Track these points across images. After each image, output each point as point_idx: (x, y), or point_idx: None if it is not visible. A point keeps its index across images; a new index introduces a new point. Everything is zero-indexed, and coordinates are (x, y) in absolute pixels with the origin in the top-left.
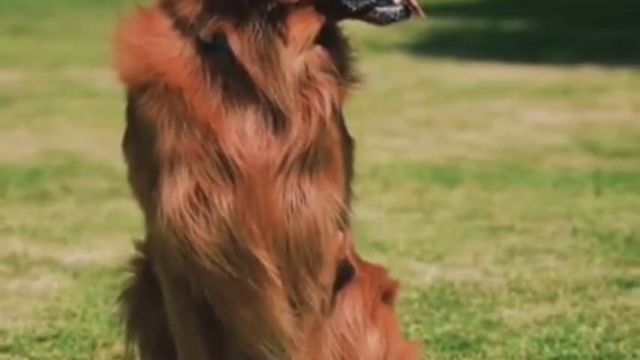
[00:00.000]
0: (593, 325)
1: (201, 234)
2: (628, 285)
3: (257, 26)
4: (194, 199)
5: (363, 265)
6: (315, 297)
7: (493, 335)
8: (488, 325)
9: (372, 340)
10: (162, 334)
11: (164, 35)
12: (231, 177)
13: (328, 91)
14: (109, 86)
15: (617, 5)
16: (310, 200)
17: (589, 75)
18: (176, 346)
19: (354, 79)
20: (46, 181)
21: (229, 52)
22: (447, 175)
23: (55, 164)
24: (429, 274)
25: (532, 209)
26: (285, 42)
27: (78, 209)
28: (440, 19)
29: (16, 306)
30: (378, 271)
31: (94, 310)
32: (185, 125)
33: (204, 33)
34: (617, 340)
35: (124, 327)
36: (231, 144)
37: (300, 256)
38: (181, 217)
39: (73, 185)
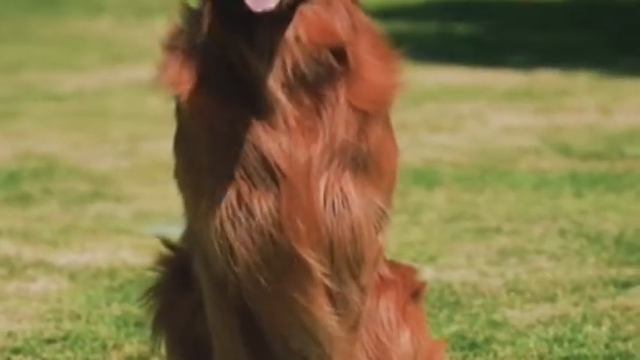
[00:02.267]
0: (598, 325)
1: (241, 241)
2: (624, 285)
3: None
4: (235, 206)
5: (396, 265)
6: (355, 298)
7: (501, 335)
8: (494, 325)
9: (404, 339)
10: (190, 332)
11: (190, 44)
12: (272, 180)
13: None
14: (72, 90)
15: (566, 9)
16: (352, 203)
17: (548, 78)
18: (210, 346)
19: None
20: (25, 184)
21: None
22: (426, 178)
23: (31, 167)
24: (425, 276)
25: (516, 211)
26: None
27: (62, 212)
28: (389, 22)
29: (17, 308)
30: (409, 272)
31: (97, 311)
32: (219, 134)
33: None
34: (625, 340)
35: (149, 325)
36: (266, 147)
37: (342, 257)
38: (222, 223)
39: (53, 188)
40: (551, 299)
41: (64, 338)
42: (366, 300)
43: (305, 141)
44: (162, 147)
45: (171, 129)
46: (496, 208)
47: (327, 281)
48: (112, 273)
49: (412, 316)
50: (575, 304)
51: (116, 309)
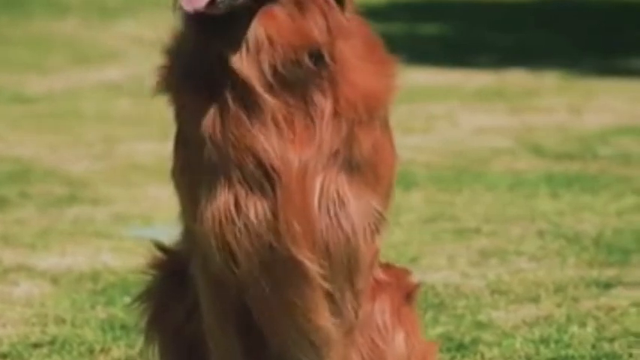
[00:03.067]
0: (583, 325)
1: (239, 244)
2: (606, 286)
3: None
4: (232, 209)
5: (390, 268)
6: (351, 302)
7: (487, 336)
8: (480, 326)
9: (399, 341)
10: (184, 336)
11: (187, 52)
12: (269, 183)
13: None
14: (42, 91)
15: (531, 10)
16: (349, 206)
17: (517, 78)
18: (204, 350)
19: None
20: (1, 188)
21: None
22: (402, 179)
23: (6, 170)
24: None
25: (493, 212)
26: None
27: (40, 215)
28: None
29: (1, 313)
30: (402, 274)
31: (82, 315)
32: (215, 139)
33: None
34: (611, 341)
35: (142, 328)
36: (260, 149)
37: (338, 261)
38: (220, 225)
39: (30, 191)
40: (535, 300)
41: (51, 343)
42: (362, 304)
43: (298, 143)
44: (137, 149)
45: (144, 130)
46: (474, 209)
47: (324, 283)
48: (94, 276)
49: (407, 318)
50: (559, 305)
51: (101, 312)
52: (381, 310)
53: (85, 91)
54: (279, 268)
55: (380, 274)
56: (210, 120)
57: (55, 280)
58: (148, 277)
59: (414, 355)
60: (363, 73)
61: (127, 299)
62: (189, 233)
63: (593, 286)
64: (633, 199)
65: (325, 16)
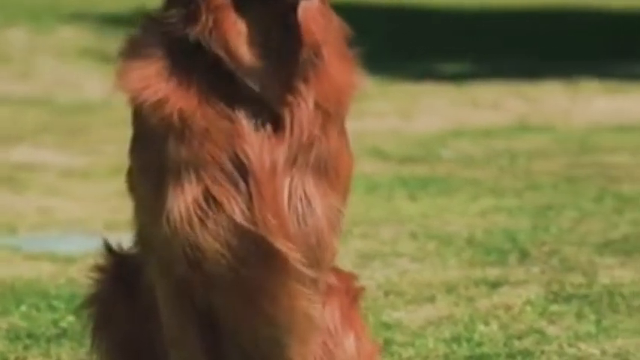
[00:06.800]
0: (487, 324)
1: (211, 239)
2: (494, 285)
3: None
4: (203, 204)
5: (337, 272)
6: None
7: (399, 337)
8: (388, 327)
9: (349, 344)
10: (133, 340)
11: (150, 46)
12: (242, 179)
13: (310, 89)
14: None
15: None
16: (315, 207)
17: None
18: (155, 355)
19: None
20: None
21: (215, 55)
22: None
23: None
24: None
25: (359, 214)
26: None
27: None
28: None
29: None
30: (350, 278)
31: None
32: (184, 133)
33: (190, 39)
34: (520, 338)
35: (88, 334)
36: (234, 145)
37: (305, 261)
38: (189, 222)
39: None
40: (431, 300)
41: None
42: (319, 305)
43: (270, 140)
44: None
45: None
46: None
47: (305, 270)
48: None
49: (355, 321)
50: (456, 305)
51: (2, 323)
52: (331, 313)
53: None
54: (255, 261)
55: (331, 278)
56: (188, 110)
57: None
58: (93, 282)
59: (363, 356)
60: (337, 69)
61: (24, 308)
62: (146, 239)
63: (482, 285)
64: (491, 200)
65: (323, 15)
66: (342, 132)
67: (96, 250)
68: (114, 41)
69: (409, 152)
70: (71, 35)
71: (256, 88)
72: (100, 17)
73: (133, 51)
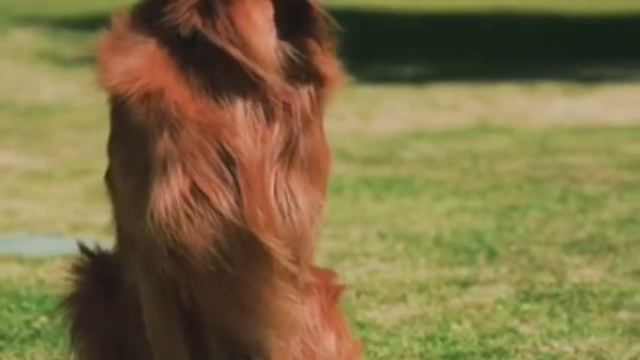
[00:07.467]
0: (460, 323)
1: (197, 234)
2: (464, 284)
3: (225, 16)
4: (190, 198)
5: (316, 270)
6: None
7: (373, 336)
8: (361, 326)
9: (330, 343)
10: (114, 340)
11: (138, 40)
12: (231, 173)
13: (305, 82)
14: None
15: None
16: (299, 202)
17: None
18: (136, 354)
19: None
20: None
21: (211, 45)
22: None
23: None
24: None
25: (326, 215)
26: (254, 28)
27: None
28: None
29: None
30: (329, 275)
31: None
32: (175, 125)
33: (183, 29)
34: (494, 337)
35: (67, 334)
36: (225, 139)
37: (290, 256)
38: (175, 217)
39: None
40: (403, 300)
41: None
42: (299, 303)
43: (262, 133)
44: None
45: None
46: None
47: (291, 266)
48: None
49: (336, 320)
50: (428, 304)
51: None
52: (310, 312)
53: None
54: (241, 257)
55: (309, 276)
56: (180, 102)
57: None
58: (71, 283)
59: (344, 355)
60: (325, 62)
61: None
62: (129, 236)
63: (453, 285)
64: (455, 201)
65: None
66: (322, 126)
67: (66, 252)
68: (68, 44)
69: (372, 154)
70: (26, 39)
71: (268, 78)
72: (53, 20)
73: (115, 45)
